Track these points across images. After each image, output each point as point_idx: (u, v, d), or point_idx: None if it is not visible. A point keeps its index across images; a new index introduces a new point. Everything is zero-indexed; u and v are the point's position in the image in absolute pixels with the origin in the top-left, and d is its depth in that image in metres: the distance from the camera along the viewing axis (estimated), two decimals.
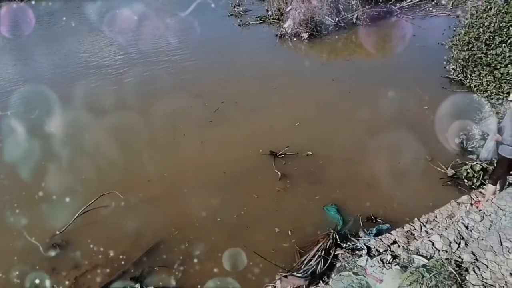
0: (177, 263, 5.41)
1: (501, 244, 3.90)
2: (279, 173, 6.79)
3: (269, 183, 6.61)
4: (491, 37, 8.77)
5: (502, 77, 8.71)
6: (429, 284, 3.47)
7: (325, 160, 7.00)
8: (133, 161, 7.36)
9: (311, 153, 7.22)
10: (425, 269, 3.64)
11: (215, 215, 6.06)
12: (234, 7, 15.51)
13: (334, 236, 5.48)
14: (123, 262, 5.46)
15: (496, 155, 5.22)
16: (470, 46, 9.58)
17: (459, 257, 3.87)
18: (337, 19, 12.64)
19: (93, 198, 6.31)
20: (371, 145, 7.22)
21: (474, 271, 3.66)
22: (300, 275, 4.86)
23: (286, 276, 4.85)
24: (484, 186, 6.02)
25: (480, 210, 5.16)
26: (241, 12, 14.97)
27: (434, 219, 5.68)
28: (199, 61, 11.33)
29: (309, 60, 11.61)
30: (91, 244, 5.73)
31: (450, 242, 4.60)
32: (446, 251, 4.47)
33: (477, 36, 8.98)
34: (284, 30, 12.60)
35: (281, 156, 7.20)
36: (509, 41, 8.48)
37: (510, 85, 8.45)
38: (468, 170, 6.47)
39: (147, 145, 7.78)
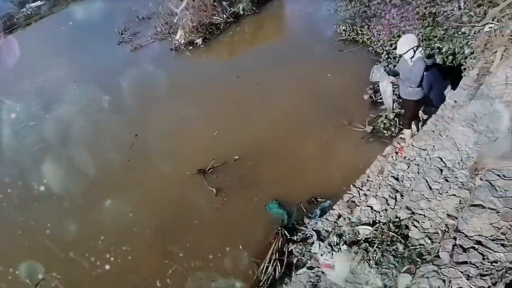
0: None
1: (431, 189, 3.97)
2: (214, 189, 6.52)
3: (206, 203, 6.33)
4: None
5: (389, 23, 9.15)
6: (375, 257, 3.42)
7: (253, 160, 6.85)
8: None
9: (238, 157, 7.03)
10: (367, 244, 3.59)
11: (163, 259, 5.65)
12: (121, 33, 14.80)
13: (283, 232, 5.37)
14: None
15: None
16: (353, 3, 9.98)
17: (396, 216, 3.87)
18: (225, 16, 12.51)
19: None
20: (291, 128, 7.20)
21: (414, 225, 3.68)
22: None
23: None
24: (403, 131, 6.21)
25: (405, 157, 5.27)
26: (130, 37, 14.32)
27: (367, 180, 5.75)
28: (93, 101, 10.53)
29: (209, 63, 11.39)
30: None
31: (387, 200, 4.63)
32: (386, 210, 4.50)
33: None
34: (177, 42, 12.24)
35: (210, 171, 6.93)
36: None
37: (398, 28, 8.88)
38: (384, 121, 6.69)
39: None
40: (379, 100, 7.19)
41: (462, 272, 2.55)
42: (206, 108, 8.75)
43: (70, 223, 6.59)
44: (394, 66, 5.42)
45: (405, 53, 5.02)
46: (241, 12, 12.83)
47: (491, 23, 6.85)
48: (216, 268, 5.29)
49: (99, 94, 10.32)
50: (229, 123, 7.94)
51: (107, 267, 5.79)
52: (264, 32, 12.06)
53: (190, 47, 12.08)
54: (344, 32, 9.89)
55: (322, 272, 4.10)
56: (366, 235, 4.11)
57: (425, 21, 8.53)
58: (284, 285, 4.64)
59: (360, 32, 9.67)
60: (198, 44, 12.02)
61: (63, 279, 5.72)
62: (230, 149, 7.17)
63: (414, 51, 4.96)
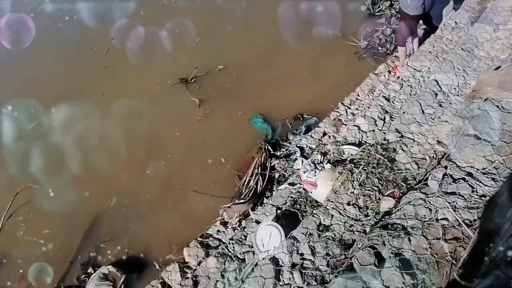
0: (121, 232, 5.09)
1: (423, 113, 3.84)
2: (197, 100, 6.24)
3: (188, 115, 6.10)
4: None
5: None
6: (359, 178, 3.41)
7: (238, 70, 6.47)
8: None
9: (222, 66, 6.63)
10: (352, 165, 3.55)
11: (143, 170, 5.60)
12: None
13: (267, 147, 5.32)
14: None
15: None
16: None
17: (385, 139, 3.80)
18: None
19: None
20: (280, 38, 6.69)
21: (402, 149, 3.63)
22: (242, 200, 4.75)
23: (229, 207, 4.72)
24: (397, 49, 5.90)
25: (398, 77, 5.07)
26: None
27: (357, 98, 5.60)
28: None
29: None
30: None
31: (375, 121, 4.54)
32: (373, 131, 4.44)
33: None
34: None
35: (193, 80, 6.56)
36: None
37: None
38: (380, 36, 6.32)
39: None
40: (377, 13, 6.70)
41: (449, 203, 2.55)
42: (188, 11, 7.95)
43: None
44: None
45: None
46: None
47: None
48: (198, 180, 5.31)
49: None
50: (213, 29, 7.28)
51: (87, 174, 5.72)
52: None
53: None
54: None
55: (304, 189, 4.15)
56: (352, 155, 4.09)
57: None
58: (265, 199, 4.71)
59: None
60: None
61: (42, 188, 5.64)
62: (214, 57, 6.72)
63: None
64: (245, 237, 4.15)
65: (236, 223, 4.51)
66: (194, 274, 4.08)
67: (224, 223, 4.63)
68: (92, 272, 4.65)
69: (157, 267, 4.64)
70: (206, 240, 4.48)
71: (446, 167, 2.80)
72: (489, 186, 2.58)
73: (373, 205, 3.31)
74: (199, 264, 4.22)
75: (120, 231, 5.08)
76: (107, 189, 5.50)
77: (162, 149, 5.75)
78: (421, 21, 5.46)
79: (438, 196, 2.65)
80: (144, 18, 7.89)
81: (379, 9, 6.66)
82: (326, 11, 6.90)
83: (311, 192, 3.92)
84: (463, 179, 2.68)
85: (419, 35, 5.68)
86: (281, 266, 3.05)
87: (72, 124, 6.41)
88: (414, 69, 5.00)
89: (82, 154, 5.97)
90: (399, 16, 5.70)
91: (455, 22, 5.17)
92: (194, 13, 7.74)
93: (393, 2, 6.54)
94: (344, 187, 3.53)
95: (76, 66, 7.40)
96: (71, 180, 5.69)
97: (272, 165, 5.13)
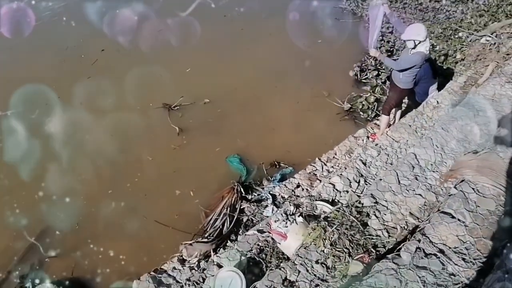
0: (69, 251, 4.70)
1: (399, 183, 3.94)
2: (177, 128, 6.14)
3: (164, 141, 5.98)
4: None
5: (391, 5, 8.84)
6: (332, 237, 3.37)
7: (223, 107, 6.49)
8: None
9: (208, 100, 6.64)
10: (326, 223, 3.52)
11: (106, 189, 5.31)
12: None
13: (239, 189, 5.22)
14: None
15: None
16: None
17: (359, 202, 3.83)
18: None
19: None
20: (269, 85, 6.85)
21: (375, 215, 3.66)
22: (205, 240, 4.55)
23: (191, 244, 4.50)
24: (378, 118, 6.16)
25: (376, 144, 5.23)
26: None
27: (334, 157, 5.70)
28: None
29: None
30: None
31: (350, 182, 4.60)
32: (347, 192, 4.48)
33: None
34: None
35: (177, 108, 6.50)
36: None
37: (398, 12, 8.63)
38: (363, 102, 6.57)
39: None
40: (363, 80, 7.04)
41: (419, 277, 2.54)
42: (184, 40, 8.06)
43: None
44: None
45: (405, 40, 4.80)
46: None
47: (489, 36, 6.81)
48: (162, 209, 5.08)
49: None
50: (205, 64, 7.36)
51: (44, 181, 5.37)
52: None
53: None
54: (344, 1, 9.44)
55: (272, 239, 4.04)
56: (325, 212, 4.07)
57: (426, 15, 8.36)
58: (229, 242, 4.54)
59: (360, 5, 9.27)
60: None
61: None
62: (202, 90, 6.74)
63: (415, 44, 4.74)
64: (203, 280, 3.92)
65: (195, 263, 4.28)
66: None
67: (182, 261, 4.38)
68: (30, 287, 4.22)
69: None
70: (160, 275, 4.19)
71: (419, 241, 2.82)
72: (459, 266, 2.60)
73: (342, 267, 3.24)
74: None
75: (69, 248, 4.71)
76: (62, 202, 5.14)
77: (130, 171, 5.53)
78: None
79: (409, 269, 2.63)
80: (139, 38, 7.89)
81: (366, 76, 7.00)
82: (316, 69, 7.17)
83: (279, 243, 3.82)
84: (435, 255, 2.69)
85: (401, 108, 6.00)
86: None
87: (39, 130, 6.10)
88: (393, 139, 5.19)
89: (42, 161, 5.65)
90: (387, 86, 6.01)
91: (437, 102, 5.50)
92: (190, 44, 7.86)
93: (380, 72, 6.90)
94: (315, 244, 3.47)
95: (59, 71, 7.18)
96: (25, 185, 5.31)
97: (242, 207, 5.01)
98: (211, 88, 6.80)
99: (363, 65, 7.21)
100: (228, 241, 4.60)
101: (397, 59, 5.17)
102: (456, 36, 7.43)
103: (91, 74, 7.07)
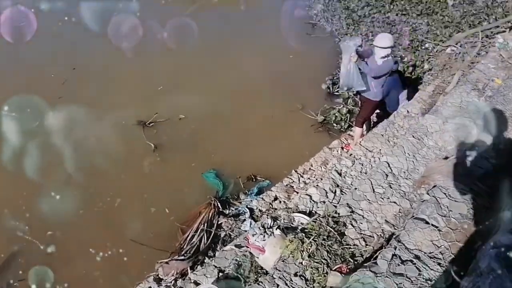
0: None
1: (374, 191, 3.99)
2: (152, 144, 6.04)
3: (139, 158, 5.84)
4: None
5: (360, 19, 9.16)
6: (309, 249, 3.35)
7: (198, 123, 6.44)
8: None
9: (183, 116, 6.58)
10: (304, 234, 3.51)
11: (78, 208, 5.12)
12: None
13: (216, 204, 5.14)
14: None
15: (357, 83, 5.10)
16: None
17: (336, 212, 3.84)
18: None
19: None
20: (243, 101, 6.86)
21: (352, 224, 3.67)
22: (182, 257, 4.43)
23: (167, 262, 4.37)
24: (352, 128, 6.26)
25: (351, 154, 5.30)
26: None
27: (310, 168, 5.72)
28: None
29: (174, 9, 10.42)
30: None
31: (326, 192, 4.63)
32: (324, 202, 4.49)
33: None
34: None
35: (151, 124, 6.41)
36: None
37: (367, 27, 8.92)
38: (336, 114, 6.68)
39: None
40: (336, 93, 7.17)
41: (397, 284, 2.54)
42: (156, 58, 8.02)
43: None
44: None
45: (385, 48, 4.84)
46: None
47: (454, 46, 7.11)
48: (137, 228, 4.92)
49: None
50: (179, 81, 7.33)
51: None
52: None
53: None
54: (314, 17, 9.69)
55: (250, 253, 3.98)
56: (302, 224, 4.06)
57: (393, 27, 8.66)
58: (207, 258, 4.44)
59: (330, 20, 9.54)
60: None
61: None
62: (177, 107, 6.66)
63: (387, 53, 4.88)
64: None
65: (171, 282, 4.15)
66: None
67: (158, 280, 4.24)
68: None
69: None
70: None
71: (395, 248, 2.84)
72: (434, 271, 2.62)
73: (320, 279, 3.22)
74: None
75: (41, 269, 4.46)
76: (31, 221, 4.92)
77: (104, 189, 5.35)
78: None
79: (387, 276, 2.64)
80: (112, 56, 7.80)
81: (338, 89, 7.13)
82: (289, 84, 7.26)
83: (257, 257, 3.77)
84: (411, 261, 2.71)
85: (372, 119, 6.12)
86: None
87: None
88: (366, 149, 5.28)
89: (14, 176, 5.44)
90: (359, 98, 6.09)
91: (407, 111, 5.65)
92: (162, 61, 7.82)
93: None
94: (293, 257, 3.44)
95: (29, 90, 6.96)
96: None
97: (219, 223, 4.93)
98: (186, 104, 6.72)
99: (335, 78, 7.36)
100: (206, 257, 4.49)
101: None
102: (423, 47, 7.73)
103: (62, 94, 6.87)
